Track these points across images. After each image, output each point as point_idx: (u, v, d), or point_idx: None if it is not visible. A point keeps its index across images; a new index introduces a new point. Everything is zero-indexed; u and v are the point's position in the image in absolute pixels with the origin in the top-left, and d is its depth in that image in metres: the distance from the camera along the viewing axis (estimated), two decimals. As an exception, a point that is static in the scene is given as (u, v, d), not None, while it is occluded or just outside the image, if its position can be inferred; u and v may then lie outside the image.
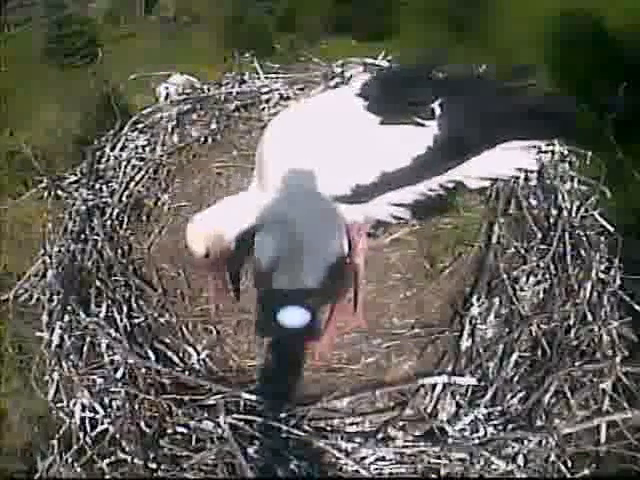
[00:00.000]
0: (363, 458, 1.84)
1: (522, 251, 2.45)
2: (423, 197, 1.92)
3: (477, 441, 1.85)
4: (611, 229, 2.42)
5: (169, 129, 3.10)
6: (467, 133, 1.81)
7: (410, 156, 1.81)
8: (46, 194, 2.79)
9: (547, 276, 2.33)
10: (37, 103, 4.07)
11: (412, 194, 1.91)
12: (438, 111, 1.78)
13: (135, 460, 1.84)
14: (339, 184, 1.88)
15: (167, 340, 2.27)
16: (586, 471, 1.87)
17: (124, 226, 2.72)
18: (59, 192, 2.76)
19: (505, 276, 2.32)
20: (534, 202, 2.59)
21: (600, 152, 2.68)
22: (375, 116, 1.80)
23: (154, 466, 1.84)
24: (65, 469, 1.89)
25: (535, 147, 1.91)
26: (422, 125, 1.77)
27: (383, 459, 1.85)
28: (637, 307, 2.18)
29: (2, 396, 2.35)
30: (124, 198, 2.80)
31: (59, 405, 2.05)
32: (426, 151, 1.79)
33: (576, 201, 2.51)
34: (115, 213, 2.72)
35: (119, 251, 2.58)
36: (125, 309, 2.29)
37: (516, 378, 2.03)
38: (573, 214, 2.47)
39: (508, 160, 1.90)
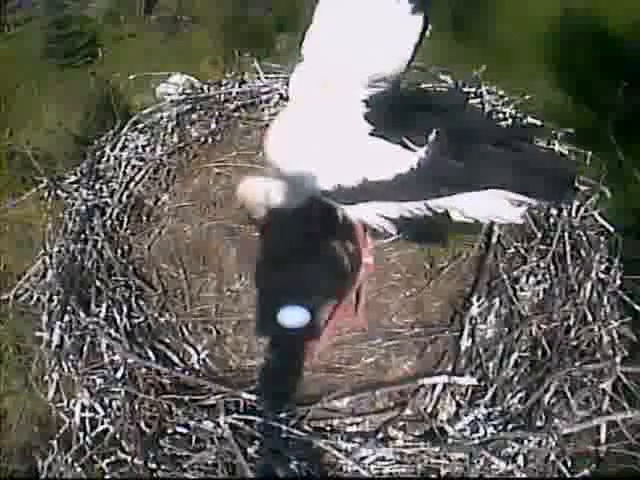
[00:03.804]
0: (363, 458, 1.84)
1: (522, 251, 2.45)
2: (409, 214, 1.95)
3: (477, 441, 1.85)
4: (611, 229, 2.42)
5: (169, 129, 3.10)
6: (452, 168, 1.81)
7: (390, 173, 1.85)
8: (46, 194, 2.79)
9: (547, 276, 2.33)
10: (37, 103, 4.07)
11: (397, 209, 1.95)
12: (432, 139, 1.79)
13: (135, 460, 1.84)
14: (325, 181, 1.95)
15: (167, 340, 2.27)
16: (586, 471, 1.87)
17: (124, 226, 2.72)
18: (59, 192, 2.76)
19: (505, 276, 2.32)
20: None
21: (600, 152, 2.68)
22: (368, 125, 1.84)
23: (154, 466, 1.84)
24: (65, 469, 1.89)
25: (526, 203, 1.87)
26: (408, 148, 1.80)
27: (383, 459, 1.85)
28: (637, 307, 2.18)
29: (2, 396, 2.34)
30: (124, 198, 2.80)
31: (59, 405, 2.05)
32: (406, 173, 1.83)
33: (576, 201, 2.51)
34: (115, 213, 2.72)
35: (119, 251, 2.58)
36: (125, 309, 2.29)
37: (516, 378, 2.03)
38: (573, 214, 2.48)
39: (494, 207, 1.90)
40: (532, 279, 2.33)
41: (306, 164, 1.97)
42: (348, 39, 2.09)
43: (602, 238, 2.40)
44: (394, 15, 2.10)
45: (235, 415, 1.89)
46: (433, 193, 1.88)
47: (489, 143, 1.84)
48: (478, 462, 1.81)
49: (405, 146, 1.81)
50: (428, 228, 2.08)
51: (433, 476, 1.84)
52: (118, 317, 2.24)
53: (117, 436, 1.91)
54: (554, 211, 2.52)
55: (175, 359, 2.19)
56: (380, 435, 1.92)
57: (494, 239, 2.50)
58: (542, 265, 2.35)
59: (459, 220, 1.96)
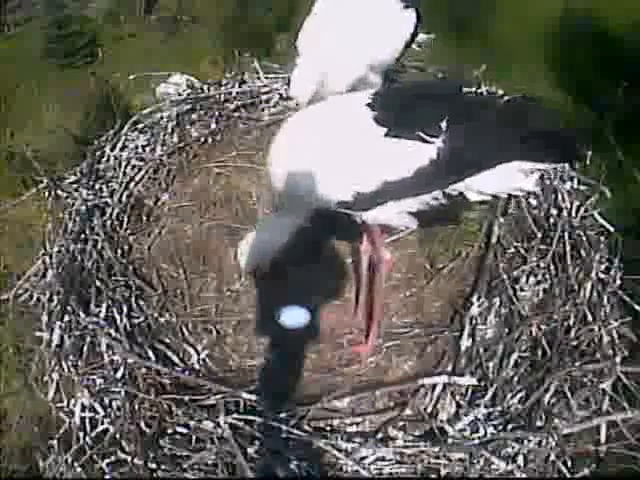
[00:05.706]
0: (363, 458, 1.84)
1: (522, 251, 2.45)
2: (426, 207, 1.95)
3: (477, 441, 1.85)
4: (611, 229, 2.42)
5: (169, 129, 3.10)
6: (469, 152, 1.83)
7: (411, 170, 1.83)
8: (46, 194, 2.79)
9: (547, 276, 2.33)
10: (37, 103, 4.07)
11: (415, 203, 1.93)
12: (444, 128, 1.80)
13: (135, 460, 1.85)
14: (341, 191, 1.90)
15: (167, 340, 2.27)
16: (586, 471, 1.87)
17: (124, 226, 2.72)
18: (59, 192, 2.76)
19: (505, 276, 2.32)
20: (534, 202, 2.60)
21: (600, 152, 2.68)
22: (380, 128, 1.82)
23: (154, 466, 1.84)
24: (65, 469, 1.89)
25: (537, 170, 1.90)
26: (426, 141, 1.80)
27: (383, 459, 1.85)
28: (637, 307, 2.18)
29: (2, 396, 2.34)
30: (124, 198, 2.80)
31: (59, 405, 2.05)
32: (427, 166, 1.82)
33: (576, 201, 2.52)
34: (115, 213, 2.72)
35: (119, 251, 2.58)
36: (125, 309, 2.29)
37: (516, 378, 2.03)
38: (573, 214, 2.48)
39: (509, 179, 1.91)
40: (532, 279, 2.33)
41: (318, 178, 1.89)
42: (343, 33, 2.14)
43: (602, 238, 2.40)
44: (387, 10, 2.21)
45: (235, 415, 1.89)
46: (451, 180, 1.88)
47: (491, 119, 1.87)
48: (478, 462, 1.81)
49: (420, 139, 1.80)
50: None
51: (433, 476, 1.84)
52: (118, 317, 2.24)
53: (117, 436, 1.91)
54: (554, 211, 2.52)
55: (175, 359, 2.19)
56: (380, 435, 1.92)
57: (494, 239, 2.51)
58: (542, 265, 2.35)
59: (476, 199, 1.96)
